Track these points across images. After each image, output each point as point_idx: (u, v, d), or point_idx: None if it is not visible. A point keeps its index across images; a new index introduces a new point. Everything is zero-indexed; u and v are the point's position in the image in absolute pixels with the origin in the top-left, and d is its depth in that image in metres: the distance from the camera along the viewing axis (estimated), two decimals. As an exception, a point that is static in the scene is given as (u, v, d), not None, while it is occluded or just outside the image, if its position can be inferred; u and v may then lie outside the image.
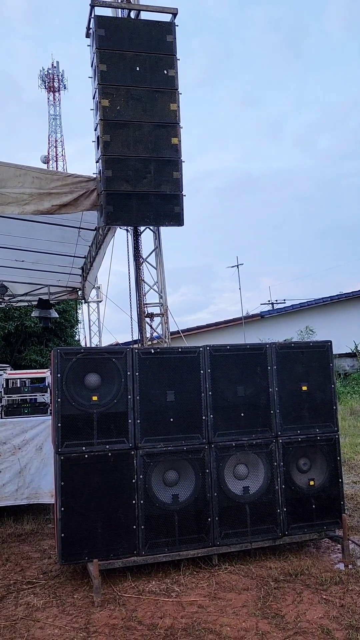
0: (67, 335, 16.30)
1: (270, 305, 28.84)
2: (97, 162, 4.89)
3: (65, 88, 53.10)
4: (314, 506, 4.09)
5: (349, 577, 3.57)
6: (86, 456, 3.68)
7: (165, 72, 4.75)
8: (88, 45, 5.09)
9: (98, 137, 4.72)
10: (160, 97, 4.74)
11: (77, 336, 18.27)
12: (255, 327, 20.54)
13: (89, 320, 11.18)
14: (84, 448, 3.69)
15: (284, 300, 28.33)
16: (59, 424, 3.67)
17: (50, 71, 52.47)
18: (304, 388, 4.22)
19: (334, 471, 4.18)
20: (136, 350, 3.90)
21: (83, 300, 11.40)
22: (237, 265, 20.86)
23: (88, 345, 12.46)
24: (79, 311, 16.09)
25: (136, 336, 5.33)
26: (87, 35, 5.07)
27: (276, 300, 29.73)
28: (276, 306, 26.87)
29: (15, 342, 15.20)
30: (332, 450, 4.20)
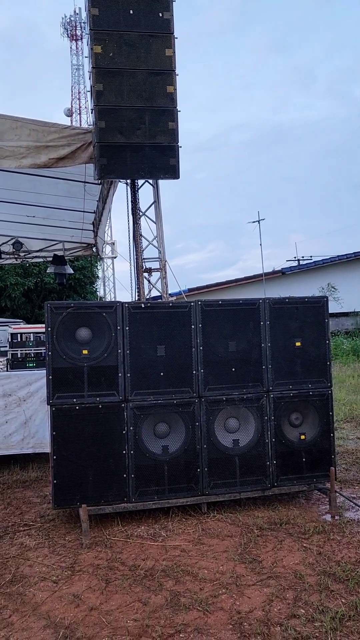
0: (87, 291, 16.44)
1: (297, 262, 28.38)
2: (91, 112, 4.79)
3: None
4: (304, 459, 4.14)
5: (332, 528, 3.64)
6: (77, 407, 3.78)
7: (161, 14, 4.53)
8: (83, -12, 4.89)
9: (91, 87, 4.60)
10: (155, 42, 4.54)
11: (100, 292, 18.41)
12: (276, 283, 20.33)
13: (104, 277, 11.21)
14: (74, 400, 3.78)
15: (310, 257, 27.81)
16: (50, 377, 3.76)
17: (72, 18, 50.66)
18: (298, 344, 4.20)
19: (326, 426, 4.20)
20: (126, 305, 3.92)
21: (98, 256, 11.43)
22: (258, 221, 20.45)
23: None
24: (98, 267, 16.14)
25: (135, 292, 5.35)
26: (82, -22, 4.86)
27: (302, 257, 29.23)
28: (302, 263, 26.43)
29: (35, 299, 15.43)
30: (324, 406, 4.21)
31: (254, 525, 3.72)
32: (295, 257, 29.35)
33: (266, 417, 4.09)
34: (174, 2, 4.57)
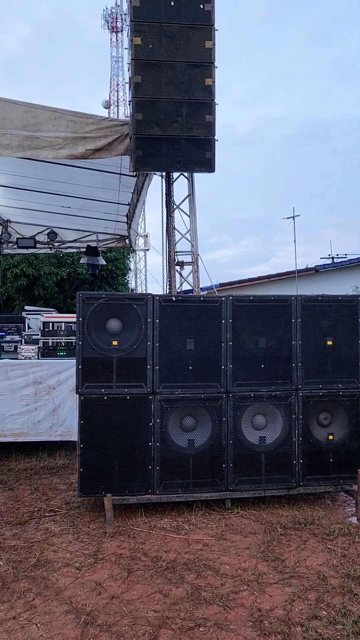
0: (118, 283, 16.51)
1: (331, 259, 27.87)
2: (129, 104, 4.79)
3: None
4: (331, 460, 4.08)
5: (358, 530, 3.58)
6: (105, 398, 3.82)
7: (202, 6, 4.48)
8: (124, -20, 4.88)
9: (130, 79, 4.60)
10: (195, 34, 4.50)
11: (131, 284, 18.47)
12: (309, 281, 20.03)
13: (136, 269, 11.26)
14: (103, 390, 3.82)
15: (346, 254, 27.26)
16: (80, 366, 3.80)
17: (113, 10, 50.78)
18: (329, 343, 4.13)
19: (355, 427, 4.13)
20: (157, 297, 3.92)
21: (131, 248, 11.47)
22: (293, 217, 20.12)
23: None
24: (131, 259, 16.19)
25: (167, 285, 5.35)
26: (124, -31, 4.86)
27: (337, 255, 28.64)
28: (337, 260, 25.94)
29: (68, 289, 15.61)
30: (354, 406, 4.13)
31: (278, 524, 3.69)
32: (329, 255, 28.80)
33: (294, 416, 4.04)
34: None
